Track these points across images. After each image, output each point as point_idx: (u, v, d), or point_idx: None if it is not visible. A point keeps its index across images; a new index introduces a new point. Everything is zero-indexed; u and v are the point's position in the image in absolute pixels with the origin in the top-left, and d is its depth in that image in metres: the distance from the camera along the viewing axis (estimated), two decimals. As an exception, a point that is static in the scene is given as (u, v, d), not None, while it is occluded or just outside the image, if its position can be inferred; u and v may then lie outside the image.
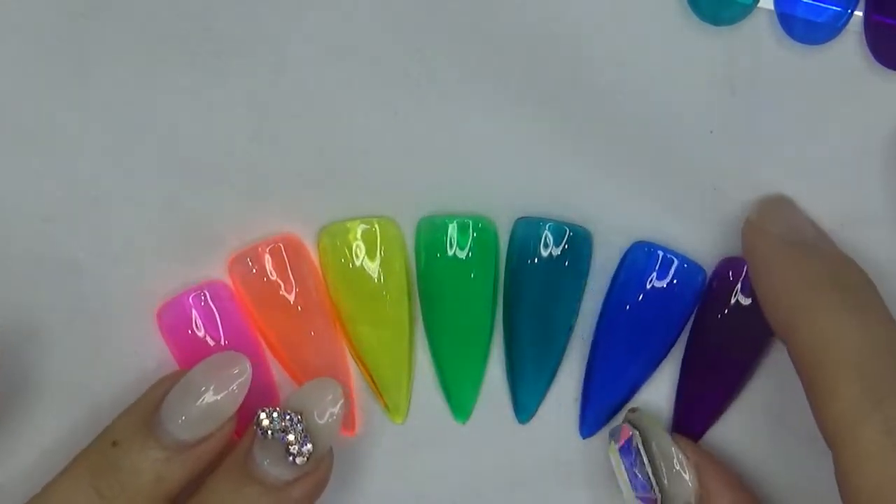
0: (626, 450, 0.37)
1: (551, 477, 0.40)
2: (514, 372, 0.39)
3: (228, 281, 0.39)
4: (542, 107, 0.38)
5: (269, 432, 0.34)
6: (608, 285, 0.39)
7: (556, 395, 0.40)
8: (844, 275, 0.34)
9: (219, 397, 0.34)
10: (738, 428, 0.39)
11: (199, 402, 0.34)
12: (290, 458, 0.34)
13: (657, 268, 0.38)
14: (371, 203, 0.39)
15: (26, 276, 0.39)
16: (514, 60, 0.38)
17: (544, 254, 0.38)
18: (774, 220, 0.36)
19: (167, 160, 0.39)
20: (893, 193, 0.38)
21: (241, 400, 0.34)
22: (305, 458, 0.34)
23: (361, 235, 0.39)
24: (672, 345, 0.39)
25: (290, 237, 0.39)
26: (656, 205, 0.38)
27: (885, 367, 0.31)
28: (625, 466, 0.37)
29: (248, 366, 0.35)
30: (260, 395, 0.39)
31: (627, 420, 0.38)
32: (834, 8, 0.36)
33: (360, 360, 0.39)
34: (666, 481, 0.36)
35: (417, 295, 0.40)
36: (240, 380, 0.35)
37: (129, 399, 0.38)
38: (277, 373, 0.40)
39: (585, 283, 0.39)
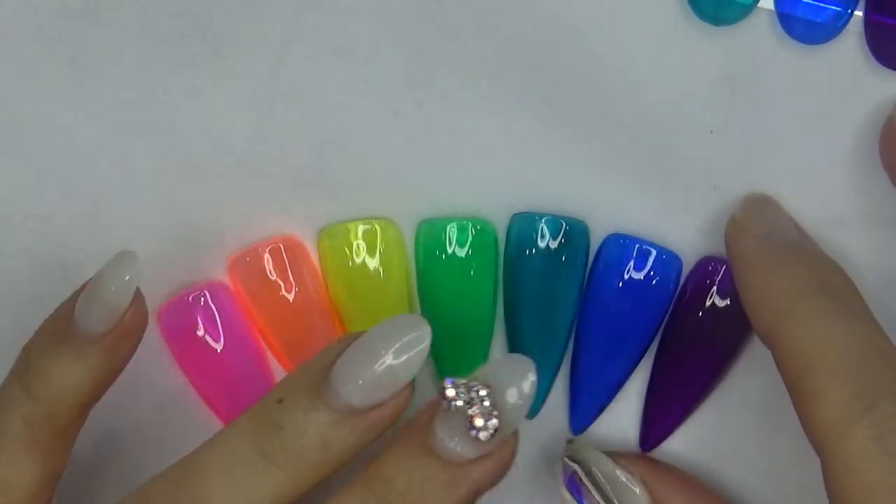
0: (572, 483, 0.37)
1: (552, 475, 0.40)
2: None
3: (228, 281, 0.39)
4: (543, 108, 0.38)
5: (454, 403, 0.31)
6: (586, 280, 0.39)
7: (561, 390, 0.40)
8: (829, 279, 0.34)
9: (396, 363, 0.31)
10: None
11: (374, 367, 0.31)
12: (474, 432, 0.31)
13: (633, 258, 0.38)
14: (371, 204, 0.39)
15: (26, 276, 0.39)
16: (514, 61, 0.38)
17: (541, 246, 0.38)
18: (758, 220, 0.36)
19: (167, 160, 0.39)
20: (880, 193, 0.38)
21: (418, 367, 0.32)
22: (490, 434, 0.31)
23: (362, 235, 0.39)
24: (654, 335, 0.39)
25: (289, 238, 0.39)
26: (656, 205, 0.38)
27: (874, 372, 0.31)
28: (576, 499, 0.37)
29: (428, 332, 0.32)
30: (260, 396, 0.39)
31: (566, 455, 0.38)
32: (834, 8, 0.36)
33: (360, 360, 0.39)
34: (616, 502, 0.37)
35: (417, 296, 0.39)
36: (419, 346, 0.32)
37: (128, 399, 0.39)
38: (278, 373, 0.40)
39: (584, 277, 0.39)
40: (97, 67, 0.38)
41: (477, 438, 0.31)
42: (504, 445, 0.32)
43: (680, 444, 0.39)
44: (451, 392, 0.31)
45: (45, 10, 0.38)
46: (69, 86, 0.38)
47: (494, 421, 0.31)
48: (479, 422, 0.31)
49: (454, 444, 0.31)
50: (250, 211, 0.39)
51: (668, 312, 0.39)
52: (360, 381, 0.31)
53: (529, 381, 0.31)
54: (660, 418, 0.39)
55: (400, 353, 0.31)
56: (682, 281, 0.38)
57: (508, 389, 0.31)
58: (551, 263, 0.38)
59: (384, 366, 0.31)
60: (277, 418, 0.32)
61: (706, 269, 0.38)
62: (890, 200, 0.38)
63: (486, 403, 0.31)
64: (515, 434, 0.32)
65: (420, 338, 0.32)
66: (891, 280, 0.38)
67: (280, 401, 0.32)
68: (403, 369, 0.32)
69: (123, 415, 0.39)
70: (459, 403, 0.31)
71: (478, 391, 0.31)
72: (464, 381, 0.31)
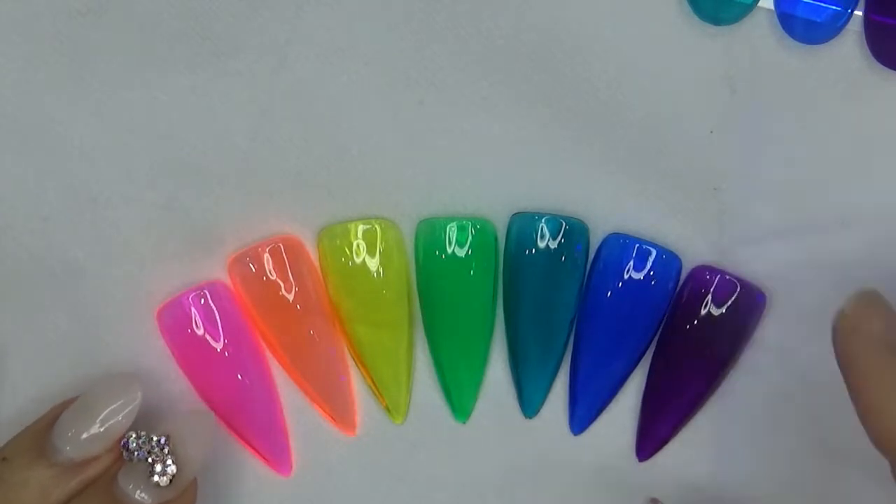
0: None
1: (552, 476, 0.40)
2: (518, 367, 0.39)
3: (228, 281, 0.39)
4: (543, 108, 0.38)
5: (135, 454, 0.35)
6: (586, 280, 0.39)
7: (561, 389, 0.40)
8: None
9: (107, 425, 0.35)
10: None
11: (88, 425, 0.35)
12: (154, 478, 0.34)
13: (633, 258, 0.38)
14: (370, 204, 0.39)
15: (26, 276, 0.39)
16: (514, 61, 0.38)
17: (541, 246, 0.38)
18: (870, 318, 0.34)
19: (167, 160, 0.39)
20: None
21: (128, 425, 0.35)
22: (168, 480, 0.35)
23: (362, 235, 0.39)
24: (654, 335, 0.39)
25: (289, 237, 0.39)
26: (656, 205, 0.39)
27: None
28: None
29: (138, 393, 0.35)
30: (260, 395, 0.39)
31: None
32: (834, 8, 0.36)
33: (359, 360, 0.39)
34: None
35: (417, 295, 0.40)
36: (128, 408, 0.35)
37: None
38: (278, 373, 0.40)
39: (584, 277, 0.39)
40: (97, 67, 0.38)
41: (157, 485, 0.35)
42: (185, 493, 0.36)
43: (677, 451, 0.39)
44: (132, 444, 0.35)
45: (46, 10, 0.38)
46: (69, 86, 0.38)
47: (172, 467, 0.35)
48: (158, 468, 0.35)
49: (137, 493, 0.35)
50: (250, 211, 0.39)
51: (665, 319, 0.39)
52: (80, 437, 0.35)
53: (209, 433, 0.36)
54: (656, 428, 0.39)
55: (109, 416, 0.35)
56: (681, 281, 0.38)
57: (186, 439, 0.35)
58: (551, 263, 0.38)
59: (95, 424, 0.35)
60: (1, 474, 0.35)
61: (701, 278, 0.38)
62: (890, 200, 0.38)
63: (165, 451, 0.35)
64: (194, 482, 0.36)
65: (131, 399, 0.35)
66: (891, 280, 0.38)
67: (4, 459, 0.35)
68: (112, 429, 0.35)
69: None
70: (141, 454, 0.35)
71: (158, 441, 0.35)
72: (144, 433, 0.35)
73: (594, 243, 0.39)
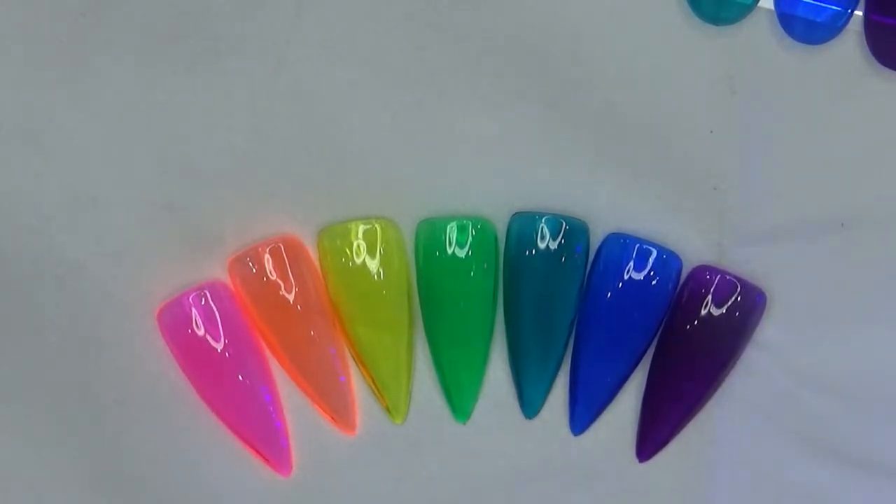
0: None
1: (552, 476, 0.40)
2: (518, 367, 0.39)
3: (228, 281, 0.39)
4: (543, 107, 0.38)
5: None
6: (586, 280, 0.39)
7: (561, 390, 0.40)
8: None
9: None
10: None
11: None
12: None
13: (633, 258, 0.38)
14: (370, 203, 0.39)
15: (26, 275, 0.39)
16: (514, 61, 0.38)
17: (541, 246, 0.38)
18: None
19: (167, 160, 0.39)
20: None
21: None
22: None
23: (362, 235, 0.39)
24: (654, 336, 0.39)
25: (289, 238, 0.39)
26: (656, 205, 0.39)
27: None
28: None
29: None
30: (260, 396, 0.39)
31: None
32: (834, 8, 0.37)
33: (359, 360, 0.39)
34: None
35: (417, 295, 0.40)
36: None
37: (129, 399, 0.39)
38: (278, 373, 0.40)
39: (584, 277, 0.39)
40: (97, 67, 0.38)
41: None
42: None
43: (677, 451, 0.39)
44: None
45: (45, 10, 0.38)
46: (69, 86, 0.38)
47: None
48: None
49: None
50: (250, 211, 0.39)
51: (665, 319, 0.39)
52: None
53: None
54: (656, 428, 0.39)
55: None
56: (681, 281, 0.38)
57: None
58: (551, 263, 0.38)
59: None
60: None
61: (701, 278, 0.38)
62: (889, 201, 0.38)
63: None
64: None
65: None
66: (891, 280, 0.38)
67: None
68: None
69: (123, 415, 0.39)
70: None
71: None
72: None
73: (594, 243, 0.39)
